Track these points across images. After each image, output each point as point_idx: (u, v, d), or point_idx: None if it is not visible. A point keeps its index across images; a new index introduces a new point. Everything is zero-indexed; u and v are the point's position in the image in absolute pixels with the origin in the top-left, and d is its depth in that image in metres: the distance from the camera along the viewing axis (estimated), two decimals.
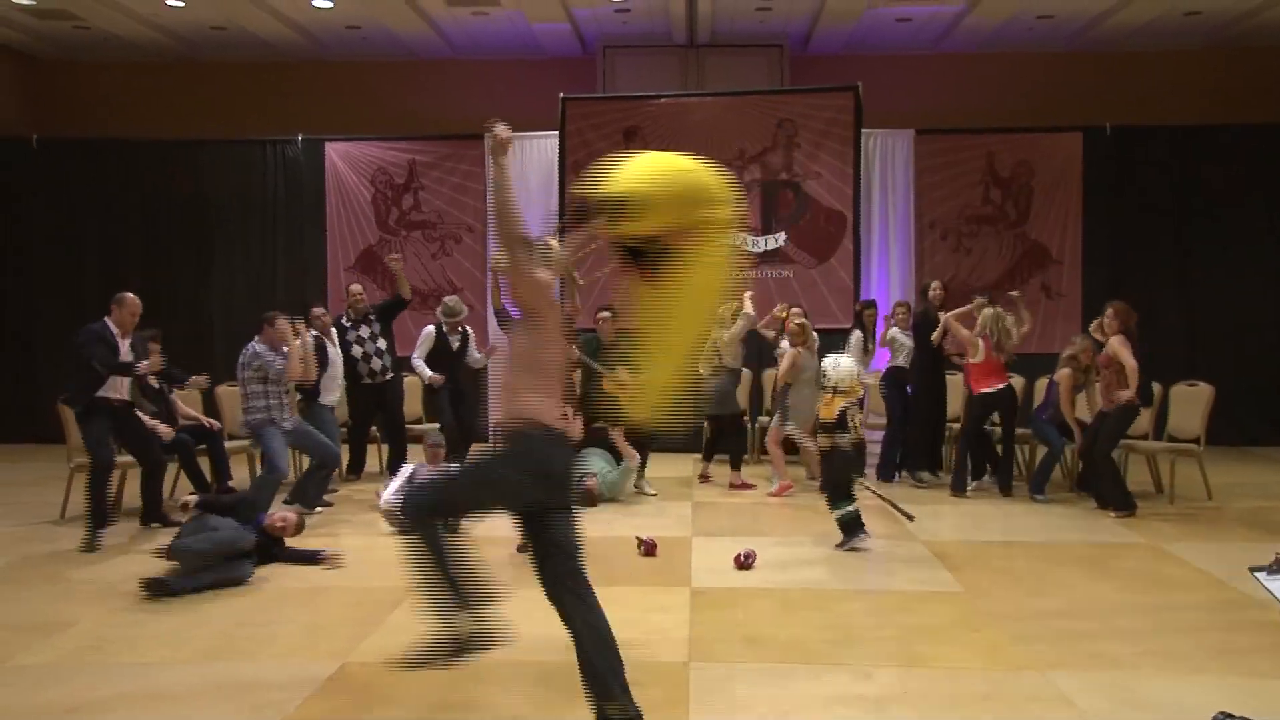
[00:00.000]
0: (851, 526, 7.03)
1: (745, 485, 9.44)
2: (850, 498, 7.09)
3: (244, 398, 8.05)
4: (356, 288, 9.95)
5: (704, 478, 9.74)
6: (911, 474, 9.64)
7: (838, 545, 7.04)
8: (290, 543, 6.76)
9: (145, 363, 7.66)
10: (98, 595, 6.03)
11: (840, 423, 7.11)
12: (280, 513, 6.88)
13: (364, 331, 9.42)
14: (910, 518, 7.63)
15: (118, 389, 7.65)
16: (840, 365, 7.20)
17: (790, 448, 9.56)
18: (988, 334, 8.90)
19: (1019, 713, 4.29)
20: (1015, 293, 9.80)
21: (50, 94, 13.81)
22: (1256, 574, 3.82)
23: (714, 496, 9.12)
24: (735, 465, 9.61)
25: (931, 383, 9.64)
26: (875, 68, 12.91)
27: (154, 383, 8.36)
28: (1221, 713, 2.74)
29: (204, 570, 6.07)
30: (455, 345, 9.50)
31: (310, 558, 6.69)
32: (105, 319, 7.63)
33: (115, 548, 7.29)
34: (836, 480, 7.14)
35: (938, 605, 5.84)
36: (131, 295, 7.72)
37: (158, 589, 5.88)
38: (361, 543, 7.41)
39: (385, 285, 11.95)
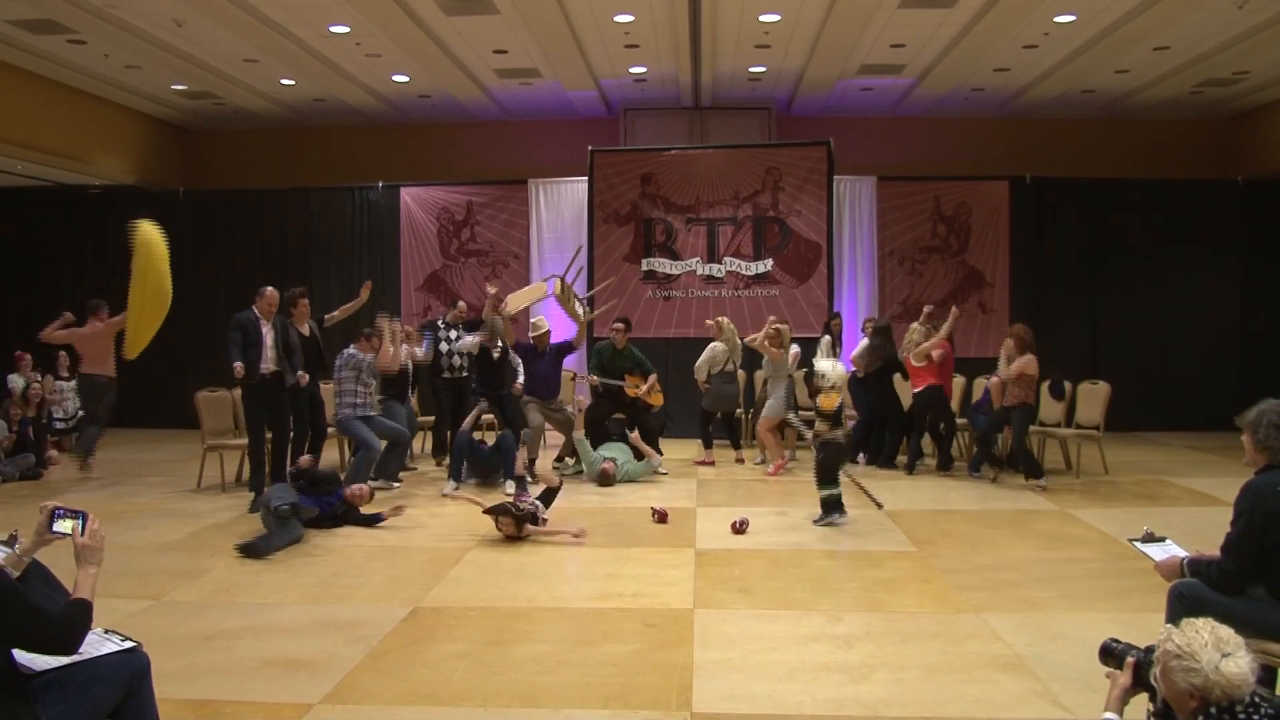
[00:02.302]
0: (831, 506, 6.72)
1: (739, 460, 9.43)
2: (835, 481, 6.76)
3: (338, 394, 8.08)
4: (463, 304, 9.76)
5: (710, 463, 9.39)
6: (883, 465, 9.30)
7: (815, 520, 6.73)
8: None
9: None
10: (226, 549, 6.09)
11: (837, 416, 6.84)
12: (356, 486, 6.88)
13: (453, 334, 9.26)
14: (880, 506, 7.11)
15: (268, 362, 7.64)
16: (837, 368, 6.92)
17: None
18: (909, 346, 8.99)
19: (960, 646, 4.30)
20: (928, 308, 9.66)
21: (194, 155, 14.04)
22: (1133, 542, 3.86)
23: (714, 474, 9.05)
24: (736, 445, 9.70)
25: (891, 396, 9.42)
26: (845, 127, 12.91)
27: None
28: (1111, 639, 2.76)
29: (275, 534, 6.10)
30: (496, 356, 9.15)
31: (373, 520, 6.71)
32: (253, 307, 7.71)
33: (239, 513, 7.35)
34: (827, 465, 6.75)
35: (896, 562, 5.83)
36: (271, 289, 7.83)
37: (249, 551, 5.90)
38: (431, 511, 7.45)
39: (446, 302, 11.88)
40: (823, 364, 7.06)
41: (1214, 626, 2.34)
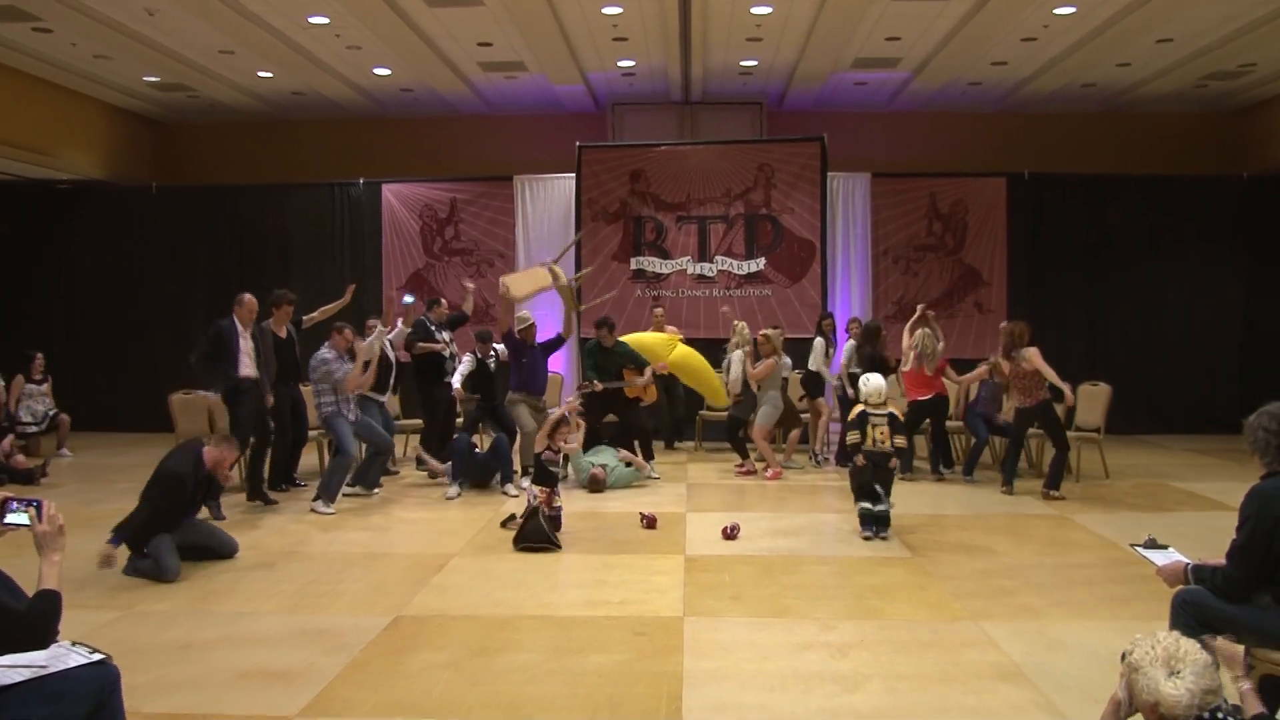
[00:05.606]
0: (876, 520, 6.52)
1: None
2: (885, 498, 6.54)
3: (316, 394, 8.01)
4: (445, 302, 9.57)
5: (752, 471, 9.14)
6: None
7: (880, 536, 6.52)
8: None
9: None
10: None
11: (895, 426, 6.57)
12: (213, 451, 6.16)
13: (446, 336, 9.05)
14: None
15: (249, 367, 7.71)
16: (870, 380, 6.73)
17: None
18: (917, 349, 8.82)
19: (956, 655, 4.31)
20: (930, 312, 9.46)
21: (167, 150, 13.96)
22: (1135, 547, 3.88)
23: (705, 479, 9.04)
24: (745, 454, 9.43)
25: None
26: (838, 122, 12.95)
27: None
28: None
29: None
30: (493, 367, 9.07)
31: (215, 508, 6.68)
32: (232, 316, 7.75)
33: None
34: (882, 480, 6.54)
35: (891, 568, 5.84)
36: (249, 295, 7.90)
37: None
38: (412, 516, 7.45)
39: (425, 300, 11.77)
40: (867, 379, 6.85)
41: (1172, 642, 2.32)
